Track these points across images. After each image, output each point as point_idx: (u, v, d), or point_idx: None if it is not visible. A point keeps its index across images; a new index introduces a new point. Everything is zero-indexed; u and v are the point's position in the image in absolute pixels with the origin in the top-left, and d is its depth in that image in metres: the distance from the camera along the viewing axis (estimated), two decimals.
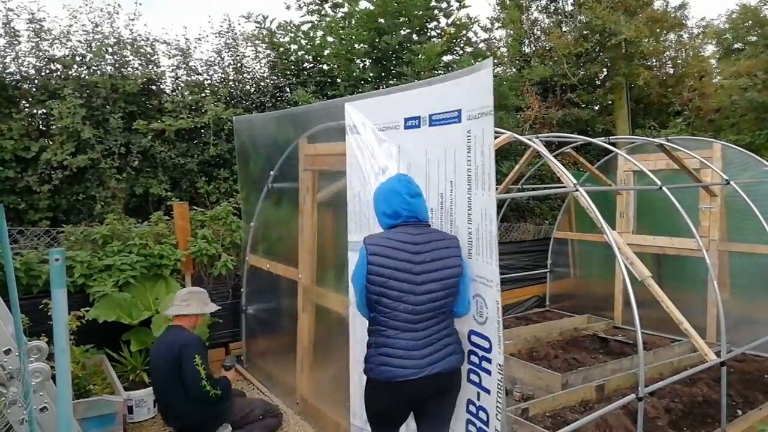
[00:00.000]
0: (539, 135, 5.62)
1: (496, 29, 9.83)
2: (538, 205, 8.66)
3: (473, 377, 2.73)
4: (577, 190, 3.67)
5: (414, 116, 3.03)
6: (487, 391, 2.62)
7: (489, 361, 2.61)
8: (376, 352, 2.55)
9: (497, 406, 2.57)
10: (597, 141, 5.39)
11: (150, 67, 6.56)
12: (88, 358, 4.36)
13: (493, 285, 2.57)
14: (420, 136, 3.01)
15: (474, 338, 2.72)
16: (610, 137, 6.31)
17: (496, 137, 4.09)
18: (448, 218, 2.86)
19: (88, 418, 3.64)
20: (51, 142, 5.73)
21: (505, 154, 8.10)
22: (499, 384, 2.55)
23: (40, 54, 6.02)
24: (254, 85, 7.39)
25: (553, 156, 4.30)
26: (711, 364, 3.93)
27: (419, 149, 3.02)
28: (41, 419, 2.07)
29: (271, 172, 4.88)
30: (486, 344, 2.63)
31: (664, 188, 4.34)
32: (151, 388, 4.36)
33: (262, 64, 7.71)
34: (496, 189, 6.94)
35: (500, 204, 7.48)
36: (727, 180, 5.21)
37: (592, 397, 4.45)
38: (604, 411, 3.46)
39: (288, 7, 8.56)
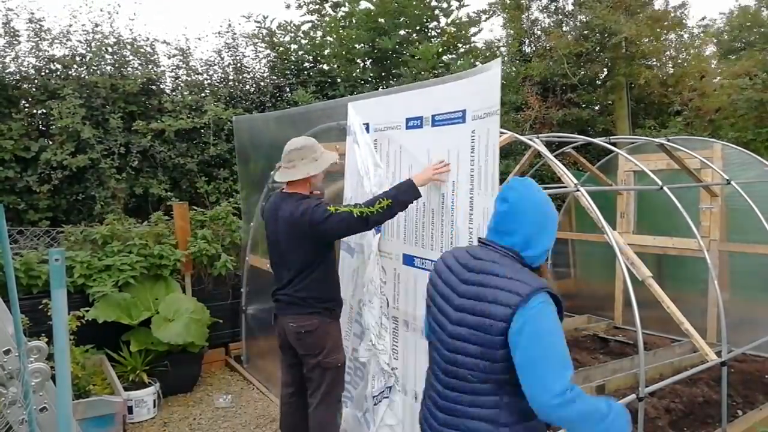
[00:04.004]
0: (539, 135, 5.62)
1: (486, 20, 9.76)
2: None
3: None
4: (578, 190, 3.66)
5: (416, 116, 3.03)
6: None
7: None
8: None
9: None
10: (597, 141, 5.38)
11: (150, 67, 6.56)
12: (88, 359, 4.36)
13: None
14: (422, 136, 3.01)
15: None
16: (611, 137, 6.31)
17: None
18: (449, 218, 2.85)
19: (88, 419, 3.63)
20: (51, 142, 5.73)
21: (505, 154, 8.09)
22: None
23: (40, 54, 6.02)
24: (254, 85, 7.39)
25: (554, 156, 4.29)
26: (711, 364, 3.92)
27: (421, 149, 3.01)
28: (41, 419, 2.07)
29: (272, 172, 4.87)
30: None
31: (664, 188, 4.34)
32: (150, 388, 4.37)
33: (262, 64, 7.72)
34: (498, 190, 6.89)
35: None
36: (727, 180, 5.20)
37: None
38: None
39: (288, 6, 8.58)
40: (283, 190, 3.21)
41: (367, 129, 3.41)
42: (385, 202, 2.81)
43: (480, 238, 1.90)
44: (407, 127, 3.10)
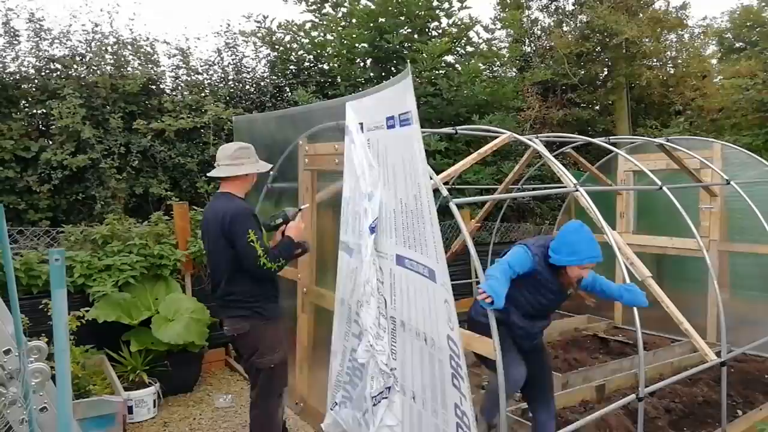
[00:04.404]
0: (539, 135, 5.62)
1: (498, 30, 9.84)
2: (539, 205, 8.65)
3: (456, 382, 2.70)
4: (577, 190, 3.66)
5: (390, 116, 3.00)
6: (465, 397, 2.61)
7: (461, 367, 2.60)
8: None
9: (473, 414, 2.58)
10: (597, 141, 5.38)
11: (150, 66, 6.56)
12: (88, 359, 4.36)
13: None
14: (397, 135, 2.98)
15: (450, 343, 2.70)
16: (611, 137, 6.31)
17: (496, 137, 4.09)
18: (421, 221, 2.83)
19: (88, 419, 3.64)
20: (51, 142, 5.74)
21: (505, 155, 8.09)
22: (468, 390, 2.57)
23: (40, 54, 6.02)
24: (254, 85, 7.39)
25: (553, 156, 4.29)
26: (711, 364, 3.93)
27: (397, 150, 2.98)
28: (41, 419, 2.07)
29: (271, 172, 4.87)
30: (457, 349, 2.61)
31: (664, 188, 4.34)
32: (150, 388, 4.37)
33: (262, 64, 7.73)
34: (497, 190, 6.89)
35: (501, 204, 7.47)
36: (727, 180, 5.20)
37: (592, 397, 4.45)
38: (605, 411, 3.46)
39: (286, 1, 8.54)
40: (218, 191, 3.37)
41: (362, 128, 3.39)
42: (282, 261, 3.22)
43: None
44: (387, 127, 3.07)
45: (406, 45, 7.99)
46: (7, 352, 1.98)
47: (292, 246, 3.32)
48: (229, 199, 3.27)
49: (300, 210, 3.55)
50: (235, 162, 3.28)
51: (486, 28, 9.28)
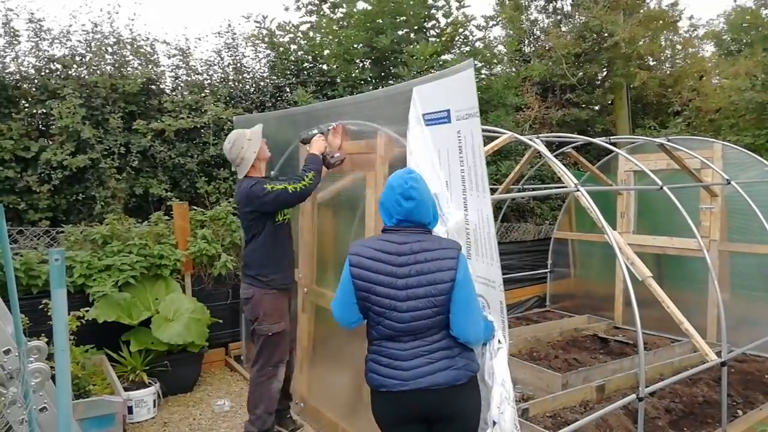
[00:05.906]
0: (539, 135, 5.62)
1: (491, 27, 9.79)
2: (539, 206, 8.65)
3: None
4: (578, 190, 3.66)
5: (413, 116, 3.02)
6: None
7: None
8: (367, 359, 2.44)
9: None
10: (597, 141, 5.39)
11: (150, 66, 6.55)
12: (88, 359, 4.36)
13: (495, 285, 2.56)
14: (420, 134, 2.99)
15: None
16: (611, 137, 6.32)
17: (496, 137, 4.09)
18: (443, 219, 2.83)
19: (88, 419, 3.64)
20: (51, 142, 5.73)
21: (505, 155, 8.09)
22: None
23: (40, 54, 6.01)
24: (254, 85, 7.39)
25: (554, 156, 4.29)
26: (711, 364, 3.93)
27: (420, 149, 3.00)
28: (41, 419, 2.07)
29: (271, 172, 4.87)
30: None
31: (664, 188, 4.34)
32: (150, 388, 4.38)
33: (262, 64, 7.72)
34: (497, 190, 6.90)
35: (501, 204, 7.47)
36: (727, 180, 5.20)
37: (592, 397, 4.45)
38: (605, 411, 3.46)
39: (287, 9, 8.58)
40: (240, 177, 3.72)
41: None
42: (311, 174, 3.49)
43: (388, 227, 2.39)
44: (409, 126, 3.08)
45: (402, 45, 7.98)
46: (7, 352, 1.98)
47: (315, 160, 3.58)
48: (248, 180, 3.59)
49: (318, 133, 3.78)
50: (238, 160, 3.60)
51: (479, 27, 9.26)
